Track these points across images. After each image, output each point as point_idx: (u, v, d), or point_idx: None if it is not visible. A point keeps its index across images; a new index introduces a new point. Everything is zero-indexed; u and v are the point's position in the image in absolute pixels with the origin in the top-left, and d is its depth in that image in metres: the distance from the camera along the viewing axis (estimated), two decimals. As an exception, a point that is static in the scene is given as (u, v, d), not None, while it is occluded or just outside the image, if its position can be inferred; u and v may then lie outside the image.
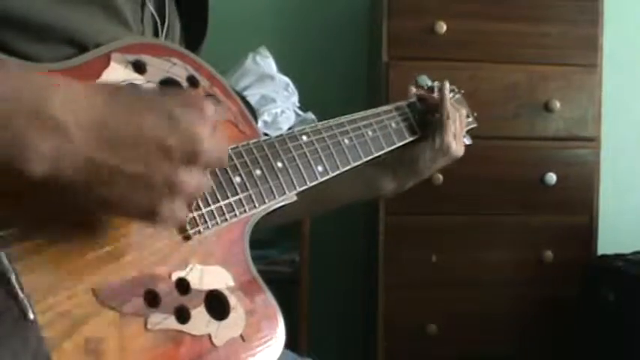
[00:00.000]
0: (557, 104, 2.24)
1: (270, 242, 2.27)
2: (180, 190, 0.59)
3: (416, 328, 2.24)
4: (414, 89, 1.21)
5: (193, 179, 0.60)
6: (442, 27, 2.19)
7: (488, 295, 2.27)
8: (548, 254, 2.27)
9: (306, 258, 2.17)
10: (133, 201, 0.58)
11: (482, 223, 2.28)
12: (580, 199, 2.30)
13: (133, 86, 0.66)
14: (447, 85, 1.17)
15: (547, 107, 2.25)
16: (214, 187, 0.75)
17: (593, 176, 2.30)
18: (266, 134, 0.87)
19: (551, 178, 2.26)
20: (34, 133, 0.51)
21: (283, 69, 2.31)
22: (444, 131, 1.13)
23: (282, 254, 2.27)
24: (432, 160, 1.14)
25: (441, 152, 1.13)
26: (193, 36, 0.93)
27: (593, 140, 2.30)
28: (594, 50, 2.26)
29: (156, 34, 0.84)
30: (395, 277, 2.24)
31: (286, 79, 2.28)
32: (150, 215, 0.59)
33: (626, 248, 2.36)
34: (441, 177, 2.19)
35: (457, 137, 1.15)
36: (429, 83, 1.24)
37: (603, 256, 2.32)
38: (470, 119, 1.29)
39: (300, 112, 2.27)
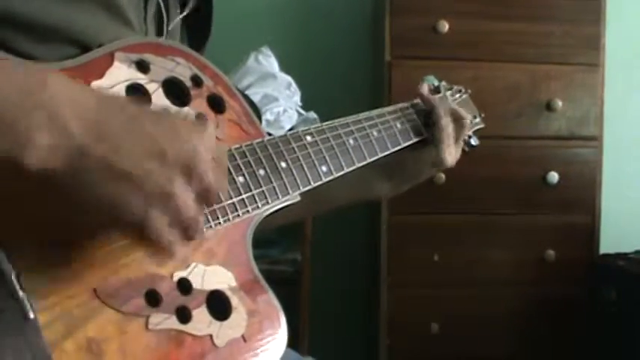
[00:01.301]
0: (560, 103, 2.24)
1: (272, 241, 2.27)
2: (173, 204, 0.57)
3: (418, 327, 2.24)
4: (425, 87, 1.19)
5: (188, 198, 0.58)
6: (445, 26, 2.19)
7: (491, 294, 2.27)
8: (550, 253, 2.27)
9: (308, 257, 2.17)
10: (124, 202, 0.55)
11: (484, 222, 2.28)
12: (582, 198, 2.30)
13: (138, 100, 0.66)
14: (440, 112, 1.12)
15: (549, 106, 2.25)
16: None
17: (595, 175, 2.30)
18: (268, 133, 0.86)
19: (553, 177, 2.26)
20: (33, 124, 0.51)
21: (285, 68, 2.31)
22: (441, 147, 1.11)
23: (283, 253, 2.27)
24: (429, 170, 1.14)
25: (437, 164, 1.13)
26: (197, 35, 0.93)
27: (595, 139, 2.30)
28: (596, 49, 2.26)
29: (159, 33, 0.84)
30: (397, 277, 2.24)
31: (288, 78, 2.28)
32: (139, 221, 0.56)
33: (627, 247, 2.36)
34: (443, 176, 2.19)
35: (451, 148, 1.13)
36: (436, 83, 1.21)
37: (605, 255, 2.32)
38: (477, 120, 1.26)
39: (302, 112, 2.27)
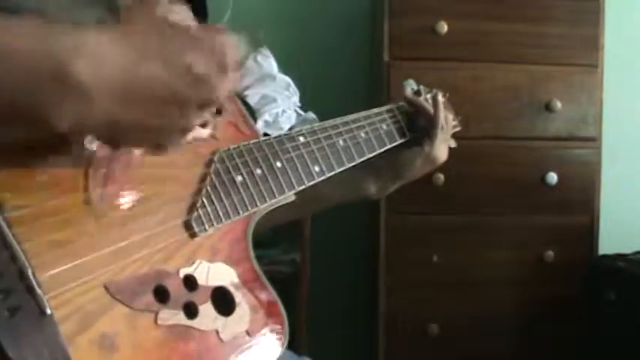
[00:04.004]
0: (559, 104, 2.24)
1: (271, 242, 2.27)
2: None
3: (417, 328, 2.24)
4: (408, 89, 1.23)
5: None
6: (443, 27, 2.19)
7: (490, 295, 2.27)
8: (549, 254, 2.27)
9: (307, 258, 2.17)
10: (151, 139, 0.62)
11: (483, 223, 2.27)
12: (581, 199, 2.30)
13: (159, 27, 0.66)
14: (441, 98, 1.19)
15: (548, 107, 2.25)
16: (217, 186, 0.77)
17: (594, 176, 2.30)
18: (267, 134, 0.88)
19: (552, 178, 2.26)
20: (58, 97, 0.53)
21: (284, 69, 2.31)
22: (436, 142, 1.15)
23: (282, 254, 2.26)
24: (420, 167, 1.17)
25: (430, 161, 1.16)
26: None
27: (594, 140, 2.30)
28: (595, 50, 2.26)
29: None
30: (396, 277, 2.24)
31: (287, 78, 2.28)
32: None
33: (627, 248, 2.36)
34: (442, 177, 2.18)
35: (444, 146, 1.18)
36: (415, 87, 1.26)
37: (604, 256, 2.32)
38: (454, 122, 1.30)
39: (301, 112, 2.27)
